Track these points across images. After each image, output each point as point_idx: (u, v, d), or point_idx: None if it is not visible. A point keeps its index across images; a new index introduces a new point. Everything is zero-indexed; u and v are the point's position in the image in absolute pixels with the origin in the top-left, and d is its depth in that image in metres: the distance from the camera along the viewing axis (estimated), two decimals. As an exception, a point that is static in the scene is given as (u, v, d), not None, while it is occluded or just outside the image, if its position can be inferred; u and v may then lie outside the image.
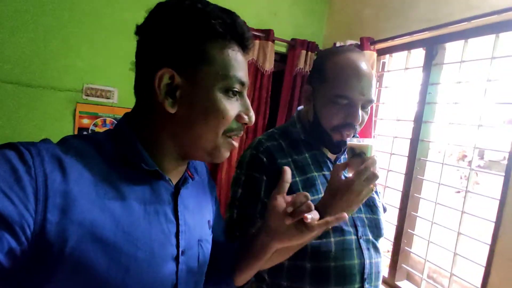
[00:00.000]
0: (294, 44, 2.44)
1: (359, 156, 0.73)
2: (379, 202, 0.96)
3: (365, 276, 0.84)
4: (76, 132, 2.06)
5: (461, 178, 3.22)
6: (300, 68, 2.44)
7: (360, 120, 0.84)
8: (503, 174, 1.39)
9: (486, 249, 1.40)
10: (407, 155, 1.86)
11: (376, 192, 0.96)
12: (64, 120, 2.00)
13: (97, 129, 2.11)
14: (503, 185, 1.37)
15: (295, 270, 0.83)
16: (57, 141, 0.49)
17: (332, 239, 0.83)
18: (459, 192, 3.11)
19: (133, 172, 0.52)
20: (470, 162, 1.62)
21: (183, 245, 0.56)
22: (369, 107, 0.87)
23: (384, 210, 1.03)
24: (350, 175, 0.73)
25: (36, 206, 0.41)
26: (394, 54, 2.11)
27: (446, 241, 1.69)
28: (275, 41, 2.39)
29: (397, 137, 1.97)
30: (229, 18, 0.52)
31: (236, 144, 0.57)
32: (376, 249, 0.89)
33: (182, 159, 0.58)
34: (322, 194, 0.79)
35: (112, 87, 2.08)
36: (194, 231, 0.60)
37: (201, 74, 0.51)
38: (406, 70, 1.97)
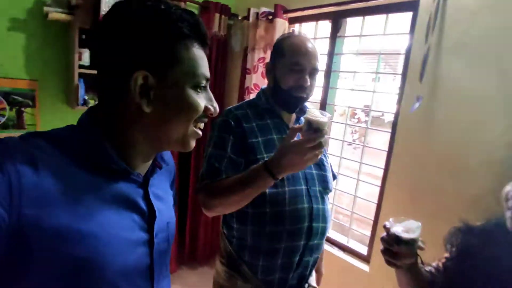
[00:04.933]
0: (208, 7, 2.37)
1: (313, 129, 0.80)
2: (327, 163, 1.17)
3: (313, 217, 1.04)
4: None
5: (351, 132, 3.90)
6: (215, 32, 2.41)
7: (309, 84, 1.07)
8: (390, 130, 1.76)
9: (377, 190, 1.82)
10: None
11: (325, 154, 1.17)
12: None
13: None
14: (390, 138, 1.75)
15: (258, 215, 1.02)
16: (19, 138, 0.49)
17: (286, 189, 1.02)
18: (350, 144, 3.74)
19: (101, 168, 0.53)
20: (359, 119, 2.01)
21: (156, 229, 0.60)
22: (316, 76, 1.11)
23: (334, 177, 1.26)
24: None
25: (11, 201, 0.42)
26: (303, 24, 2.28)
27: (347, 187, 2.09)
28: (187, 2, 2.28)
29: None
30: (192, 19, 0.55)
31: (200, 133, 0.62)
32: (323, 198, 1.09)
33: (151, 152, 0.61)
34: None
35: None
36: (164, 215, 0.64)
37: (172, 74, 0.54)
38: (315, 39, 2.17)
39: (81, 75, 1.88)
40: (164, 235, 0.64)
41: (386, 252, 0.82)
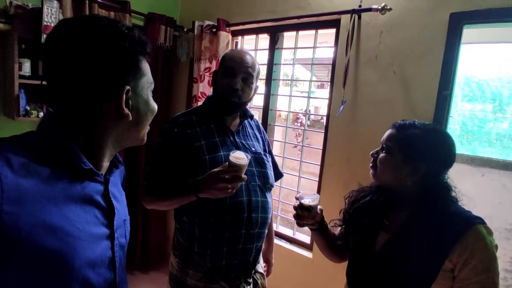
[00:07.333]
0: (152, 18, 2.45)
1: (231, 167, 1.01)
2: (268, 162, 1.31)
3: (252, 208, 1.17)
4: None
5: (295, 135, 4.20)
6: (160, 43, 2.50)
7: (238, 86, 1.18)
8: (324, 131, 2.01)
9: (316, 184, 2.05)
10: (261, 122, 2.33)
11: (266, 155, 1.32)
12: None
13: None
14: (324, 138, 2.00)
15: (204, 208, 1.14)
16: None
17: None
18: (295, 146, 4.02)
19: (69, 169, 0.59)
20: (302, 123, 2.21)
21: (115, 224, 0.67)
22: (250, 82, 1.22)
23: (281, 175, 1.46)
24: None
25: None
26: (245, 37, 2.47)
27: (292, 184, 2.30)
28: (132, 14, 2.33)
29: (251, 107, 2.41)
30: (146, 40, 0.65)
31: (149, 128, 0.73)
32: (262, 192, 1.22)
33: (114, 152, 0.69)
34: (222, 153, 1.16)
35: None
36: (121, 213, 0.71)
37: (140, 85, 0.65)
38: (255, 50, 2.37)
39: (21, 85, 1.84)
40: (122, 231, 0.71)
41: (295, 216, 1.11)
